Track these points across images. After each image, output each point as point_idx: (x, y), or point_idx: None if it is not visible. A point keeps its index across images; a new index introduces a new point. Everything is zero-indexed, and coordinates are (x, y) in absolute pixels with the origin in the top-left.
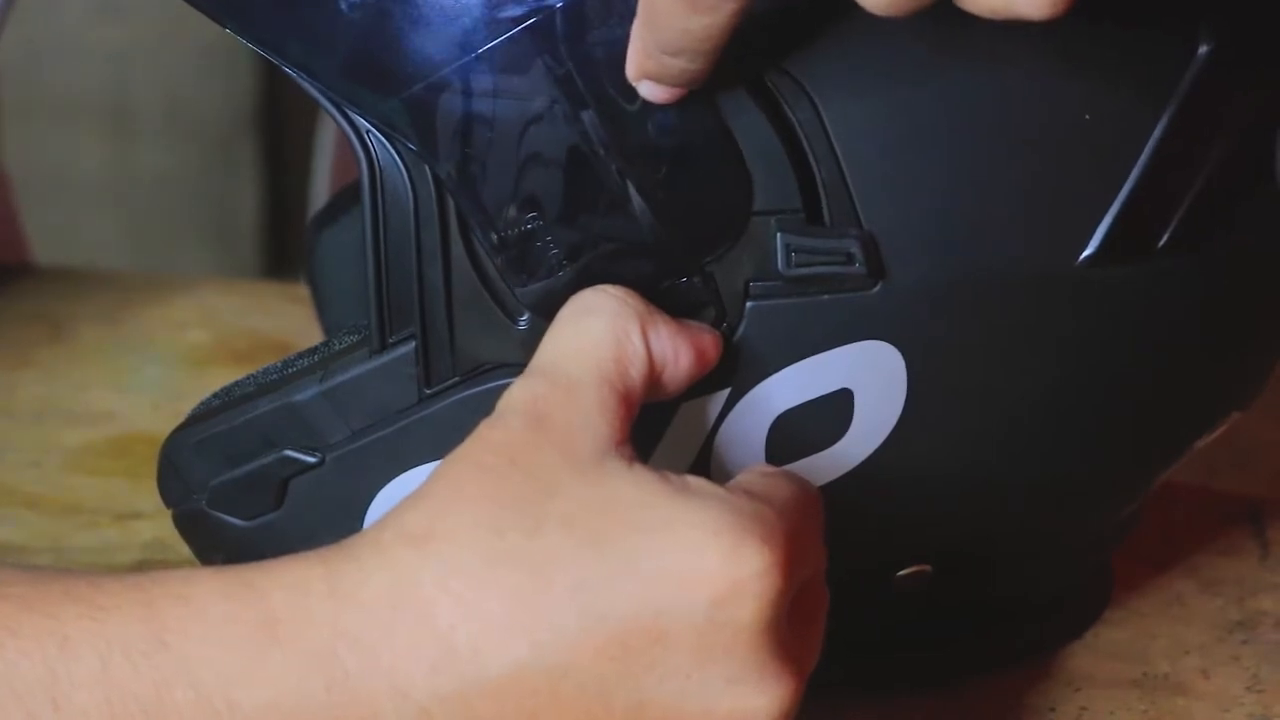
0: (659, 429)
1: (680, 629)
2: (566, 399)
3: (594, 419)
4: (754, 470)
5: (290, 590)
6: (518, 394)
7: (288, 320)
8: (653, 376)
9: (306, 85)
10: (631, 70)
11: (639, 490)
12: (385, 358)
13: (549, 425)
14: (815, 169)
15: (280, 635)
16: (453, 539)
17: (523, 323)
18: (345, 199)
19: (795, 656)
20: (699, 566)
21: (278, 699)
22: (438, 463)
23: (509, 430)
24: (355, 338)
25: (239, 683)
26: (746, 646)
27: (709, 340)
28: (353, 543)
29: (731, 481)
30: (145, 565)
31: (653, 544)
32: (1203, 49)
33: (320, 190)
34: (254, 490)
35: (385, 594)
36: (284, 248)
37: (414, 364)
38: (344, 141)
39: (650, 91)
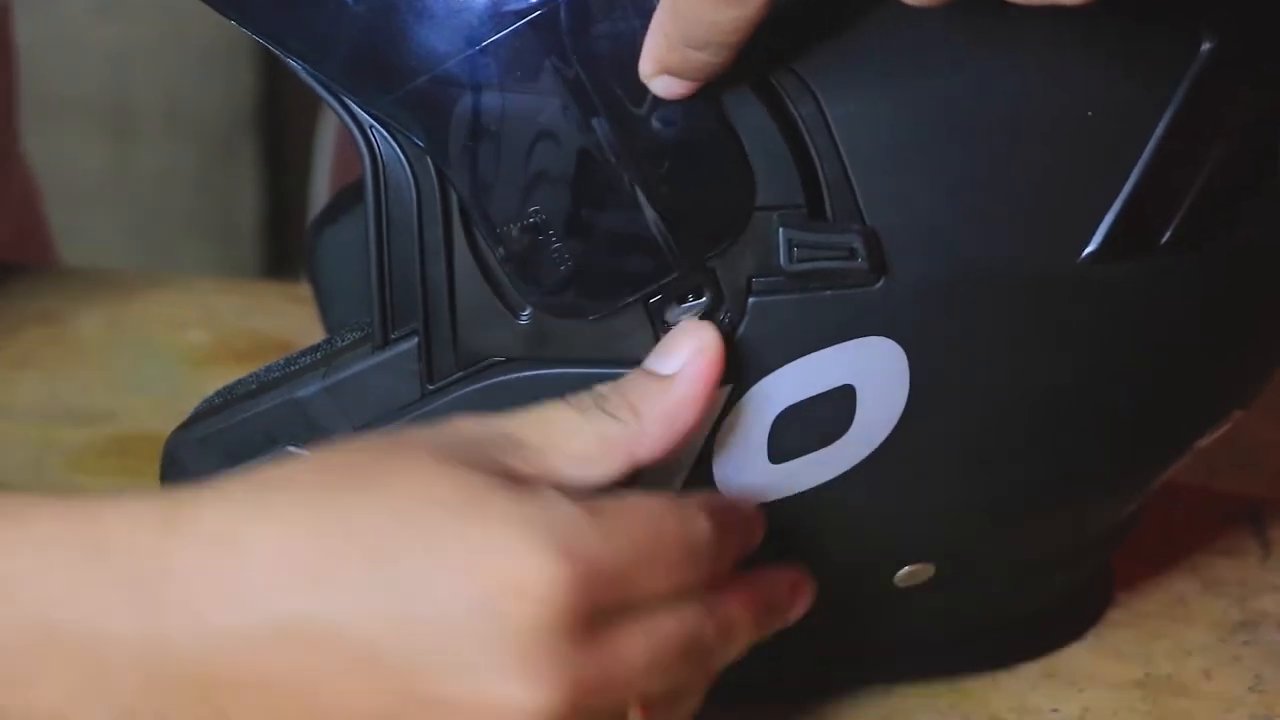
0: None
1: (461, 613)
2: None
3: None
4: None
5: (126, 521)
6: (494, 430)
7: (288, 320)
8: None
9: (309, 79)
10: (649, 65)
11: (477, 478)
12: (388, 353)
13: (469, 452)
14: (818, 164)
15: (105, 563)
16: (289, 489)
17: (525, 317)
18: (346, 198)
19: (581, 669)
20: (494, 558)
21: (91, 625)
22: None
23: (439, 436)
24: (358, 334)
25: (56, 605)
26: (520, 645)
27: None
28: (209, 482)
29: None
30: None
31: (461, 529)
32: (1206, 45)
33: (320, 190)
34: None
35: (210, 530)
36: (284, 247)
37: (416, 360)
38: (344, 141)
39: (665, 86)
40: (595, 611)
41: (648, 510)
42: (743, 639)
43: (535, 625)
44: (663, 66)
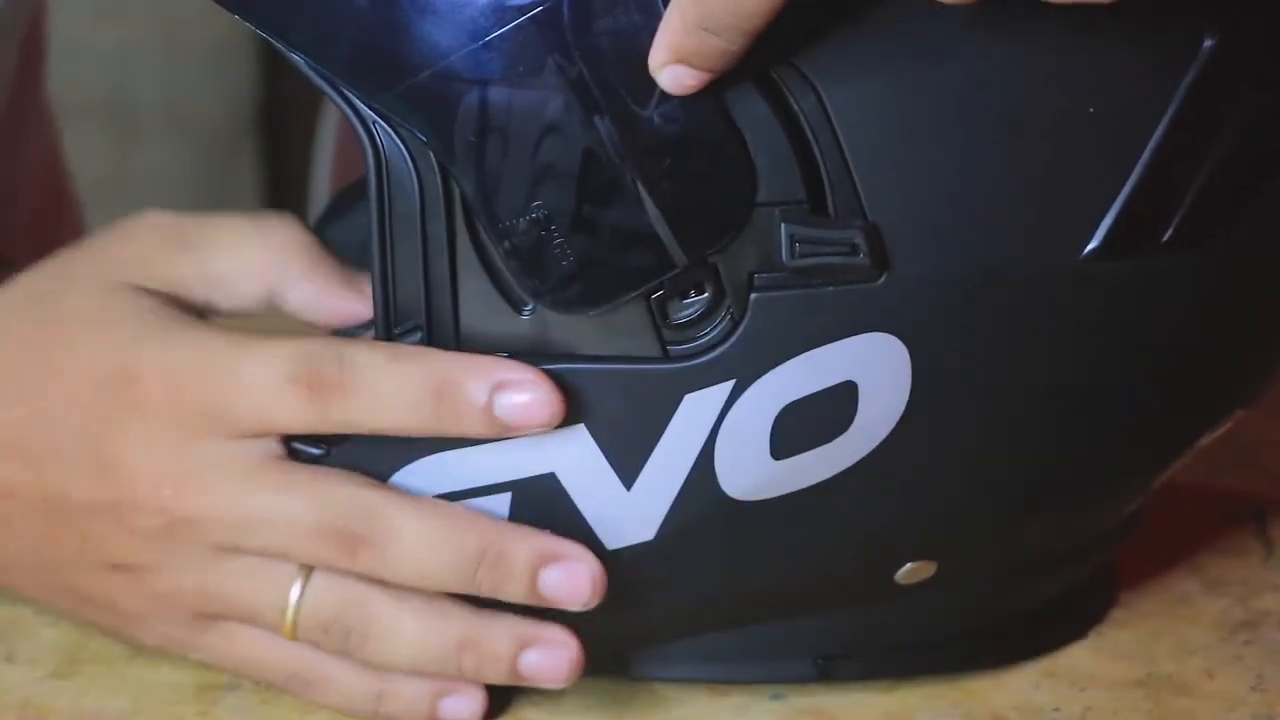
0: (663, 421)
1: (78, 409)
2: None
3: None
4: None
5: None
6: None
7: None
8: None
9: (312, 74)
10: (662, 52)
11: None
12: None
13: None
14: (820, 160)
15: None
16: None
17: (527, 313)
18: (348, 197)
19: (154, 472)
20: (107, 357)
21: None
22: (445, 454)
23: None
24: (361, 330)
25: None
26: (108, 437)
27: None
28: None
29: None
30: None
31: (95, 338)
32: (1208, 42)
33: (320, 190)
34: None
35: None
36: None
37: None
38: (344, 141)
39: (674, 78)
40: (191, 425)
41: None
42: (420, 554)
43: (126, 420)
44: (677, 53)
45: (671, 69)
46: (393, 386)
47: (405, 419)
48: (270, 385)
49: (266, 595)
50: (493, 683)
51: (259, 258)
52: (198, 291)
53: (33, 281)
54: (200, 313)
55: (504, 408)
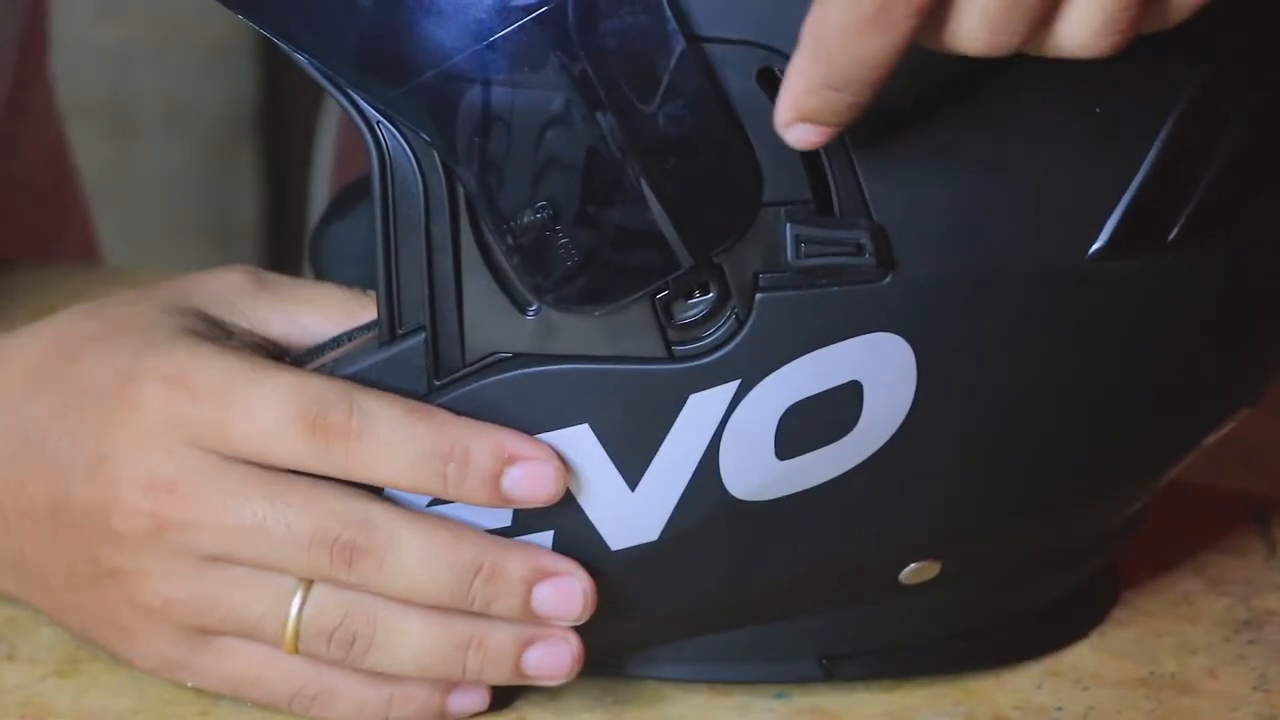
0: (668, 421)
1: (98, 391)
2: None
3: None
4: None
5: None
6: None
7: None
8: None
9: (316, 74)
10: (787, 112)
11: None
12: (395, 349)
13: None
14: (825, 160)
15: None
16: (55, 322)
17: (531, 313)
18: (351, 195)
19: (158, 471)
20: (126, 367)
21: None
22: None
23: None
24: (364, 330)
25: None
26: (111, 439)
27: None
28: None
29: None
30: None
31: (136, 353)
32: (1214, 42)
33: (320, 190)
34: None
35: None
36: (284, 247)
37: (423, 355)
38: (344, 142)
39: (801, 136)
40: (185, 433)
41: (293, 387)
42: (416, 568)
43: (122, 418)
44: (801, 113)
45: (798, 129)
46: (403, 441)
47: (407, 475)
48: (274, 418)
49: (265, 604)
50: (495, 683)
51: (336, 296)
52: (277, 327)
53: (124, 294)
54: (278, 354)
55: (511, 480)
